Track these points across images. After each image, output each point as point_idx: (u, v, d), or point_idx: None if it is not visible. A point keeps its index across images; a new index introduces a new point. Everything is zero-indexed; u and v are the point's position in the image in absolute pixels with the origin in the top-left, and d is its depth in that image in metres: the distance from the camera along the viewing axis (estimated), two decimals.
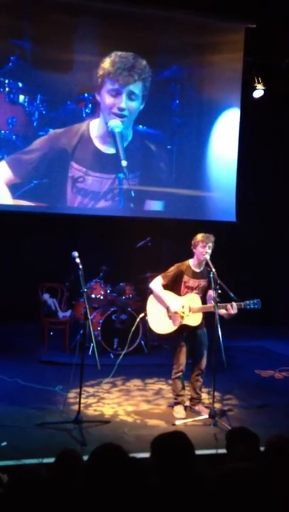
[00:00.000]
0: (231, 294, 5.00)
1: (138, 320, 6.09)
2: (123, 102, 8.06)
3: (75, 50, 8.02)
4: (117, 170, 8.19)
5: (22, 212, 7.98)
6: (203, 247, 5.10)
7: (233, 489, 2.22)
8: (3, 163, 7.81)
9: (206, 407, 5.21)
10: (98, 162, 8.12)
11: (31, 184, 7.92)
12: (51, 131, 7.94)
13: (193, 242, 5.19)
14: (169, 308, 5.11)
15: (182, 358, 5.19)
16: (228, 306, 5.00)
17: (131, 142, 8.24)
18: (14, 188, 7.87)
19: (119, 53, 8.04)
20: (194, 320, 5.16)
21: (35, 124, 7.95)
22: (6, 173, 7.82)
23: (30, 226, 8.23)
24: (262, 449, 3.04)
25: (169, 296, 5.17)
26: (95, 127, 8.11)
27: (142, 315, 6.32)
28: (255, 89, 8.78)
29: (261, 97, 8.82)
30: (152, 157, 8.41)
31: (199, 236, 5.16)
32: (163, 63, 8.34)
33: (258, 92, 8.79)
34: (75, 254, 4.90)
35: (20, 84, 7.87)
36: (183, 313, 5.10)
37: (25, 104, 7.91)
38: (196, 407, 5.27)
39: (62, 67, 7.92)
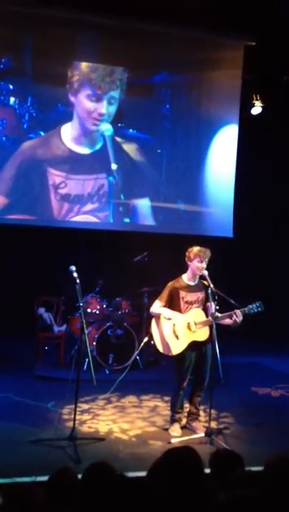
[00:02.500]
0: (232, 301, 4.96)
1: (142, 344, 6.04)
2: (104, 107, 8.12)
3: (74, 64, 8.06)
4: (99, 170, 8.18)
5: (18, 226, 7.96)
6: (200, 262, 5.05)
7: None
8: None
9: (203, 425, 5.13)
10: (76, 164, 8.12)
11: (17, 200, 7.91)
12: (22, 145, 7.94)
13: (188, 254, 5.12)
14: (176, 322, 5.02)
15: (187, 375, 5.13)
16: (233, 314, 4.95)
17: (115, 143, 8.25)
18: (4, 209, 7.89)
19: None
20: (202, 335, 5.08)
21: (25, 126, 7.99)
22: None
23: (26, 240, 8.19)
24: (258, 468, 3.00)
25: (173, 313, 5.08)
26: (67, 131, 8.11)
27: (146, 339, 6.27)
28: (253, 106, 8.83)
29: (259, 113, 8.86)
30: (141, 160, 8.40)
31: (196, 250, 5.09)
32: (154, 71, 8.38)
33: (256, 109, 8.84)
34: (73, 268, 4.87)
35: (11, 87, 7.91)
36: (189, 328, 5.03)
37: (16, 106, 7.95)
38: (194, 424, 5.20)
39: (60, 80, 7.96)
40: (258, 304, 5.02)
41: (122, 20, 7.84)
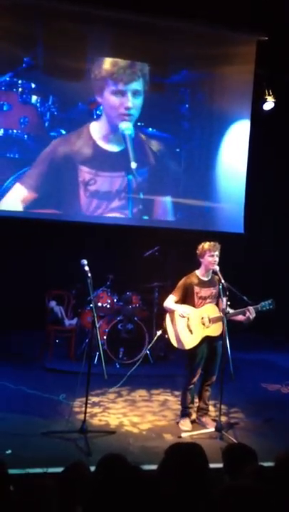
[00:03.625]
0: (245, 298, 4.98)
1: (155, 338, 6.06)
2: (129, 101, 8.14)
3: (87, 59, 8.08)
4: (126, 168, 8.24)
5: (29, 219, 8.01)
6: (211, 256, 5.07)
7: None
8: (18, 185, 7.91)
9: (213, 419, 5.16)
10: (106, 162, 8.19)
11: (46, 195, 7.98)
12: (52, 141, 8.00)
13: (199, 251, 5.15)
14: (191, 319, 5.05)
15: (198, 370, 5.16)
16: (246, 310, 4.96)
17: (136, 141, 8.29)
18: (32, 204, 7.98)
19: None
20: (216, 330, 5.11)
21: (46, 124, 8.04)
22: (22, 193, 7.92)
23: (38, 234, 8.23)
24: (268, 463, 3.01)
25: (187, 309, 5.11)
26: (96, 129, 8.16)
27: (159, 333, 6.30)
28: (265, 101, 8.78)
29: (271, 109, 8.82)
30: (161, 159, 8.44)
31: (206, 245, 5.12)
32: (173, 69, 8.39)
33: (269, 105, 8.79)
34: (84, 262, 4.89)
35: (32, 85, 7.97)
36: (203, 323, 5.06)
37: (38, 104, 8.00)
38: (203, 419, 5.22)
39: (75, 75, 7.99)
40: (270, 302, 5.03)
41: (135, 16, 7.82)
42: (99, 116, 8.21)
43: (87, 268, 4.88)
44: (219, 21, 7.95)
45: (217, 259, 5.09)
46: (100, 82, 8.09)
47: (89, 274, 4.86)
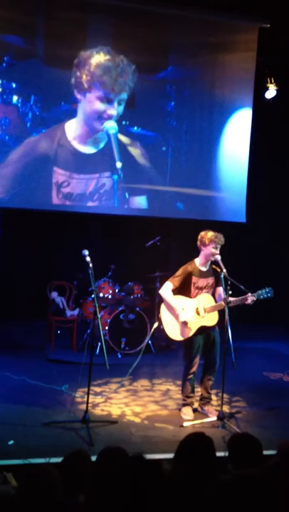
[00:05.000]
0: (242, 287, 4.95)
1: (152, 330, 6.04)
2: (115, 109, 7.97)
3: (86, 48, 7.97)
4: (102, 169, 8.04)
5: (30, 210, 7.95)
6: (215, 248, 5.03)
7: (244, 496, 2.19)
8: None
9: (216, 409, 5.16)
10: (81, 163, 7.97)
11: (18, 194, 7.76)
12: (25, 141, 7.78)
13: (202, 239, 5.08)
14: (181, 317, 5.05)
15: (196, 359, 5.15)
16: (246, 298, 4.93)
17: (118, 142, 8.13)
18: (3, 202, 7.80)
19: (107, 57, 7.91)
20: (211, 319, 5.11)
21: (28, 124, 7.84)
22: None
23: (39, 225, 8.21)
24: (270, 452, 3.01)
25: (179, 303, 5.10)
26: (71, 128, 7.94)
27: (155, 325, 6.31)
28: (267, 89, 8.71)
29: (273, 97, 8.75)
30: (145, 159, 8.29)
31: (211, 236, 5.03)
32: (157, 64, 8.21)
33: (271, 93, 8.73)
34: (86, 252, 4.87)
35: (13, 85, 7.76)
36: (198, 313, 5.05)
37: (19, 104, 7.79)
38: (206, 408, 5.23)
39: (71, 65, 7.86)
40: (267, 290, 5.00)
41: (134, 3, 7.73)
42: (74, 115, 7.97)
43: (88, 259, 4.86)
44: (221, 9, 7.87)
45: (218, 251, 5.06)
46: (87, 83, 7.86)
47: (90, 265, 4.85)
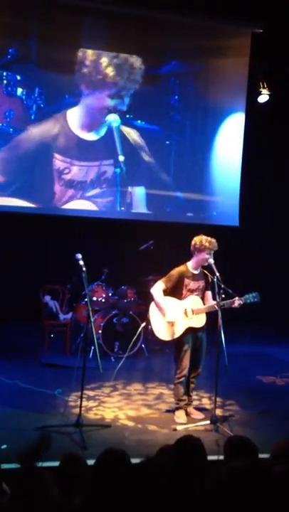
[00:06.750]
0: (230, 291, 4.98)
1: (140, 329, 6.05)
2: (125, 104, 8.09)
3: (80, 51, 8.00)
4: (103, 157, 8.17)
5: (23, 214, 7.96)
6: (208, 255, 5.06)
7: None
8: None
9: (196, 408, 5.23)
10: (82, 151, 8.08)
11: (18, 181, 7.86)
12: (27, 127, 7.87)
13: (196, 245, 5.09)
14: (166, 318, 5.08)
15: (186, 362, 5.15)
16: (234, 301, 4.98)
17: (122, 134, 8.25)
18: (1, 188, 7.84)
19: (121, 56, 8.00)
20: (199, 321, 5.13)
21: (32, 117, 7.94)
22: None
23: (32, 228, 8.20)
24: (264, 455, 3.02)
25: (167, 304, 5.12)
26: (74, 117, 8.04)
27: (143, 324, 6.32)
28: (260, 93, 8.77)
29: (266, 102, 8.80)
30: (149, 152, 8.37)
31: (206, 242, 5.06)
32: (166, 61, 8.34)
33: (263, 97, 8.78)
34: (79, 256, 4.87)
35: (18, 77, 7.86)
36: (186, 314, 5.07)
37: (23, 97, 7.89)
38: (188, 409, 5.24)
39: (67, 67, 7.91)
40: (254, 294, 5.05)
41: (129, 8, 7.77)
42: (76, 104, 8.07)
43: (81, 262, 4.87)
44: (214, 14, 7.91)
45: (212, 256, 5.09)
46: (97, 81, 7.98)
47: (84, 269, 4.85)
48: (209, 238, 5.11)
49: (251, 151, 8.76)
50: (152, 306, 5.23)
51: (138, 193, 8.42)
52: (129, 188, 8.32)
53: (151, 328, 5.24)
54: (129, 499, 2.23)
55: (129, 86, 8.06)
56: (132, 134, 8.27)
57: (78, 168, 8.06)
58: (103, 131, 8.16)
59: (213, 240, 5.10)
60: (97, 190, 8.18)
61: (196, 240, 5.12)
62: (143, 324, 6.39)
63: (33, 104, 7.91)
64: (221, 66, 8.52)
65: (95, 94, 8.04)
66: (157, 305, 5.15)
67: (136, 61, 8.09)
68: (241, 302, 5.01)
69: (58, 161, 7.98)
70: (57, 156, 7.98)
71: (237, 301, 5.00)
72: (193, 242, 5.14)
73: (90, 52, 7.98)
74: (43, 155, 7.94)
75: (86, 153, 8.11)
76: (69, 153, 8.02)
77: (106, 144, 8.15)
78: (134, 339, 6.19)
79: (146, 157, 8.37)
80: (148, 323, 5.53)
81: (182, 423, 5.02)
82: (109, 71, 7.97)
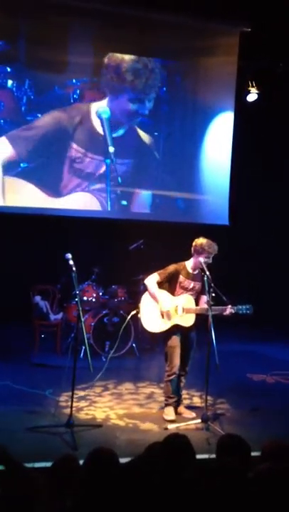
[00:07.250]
0: (224, 298, 5.00)
1: (130, 316, 6.05)
2: (146, 109, 8.30)
3: (69, 52, 8.00)
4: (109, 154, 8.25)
5: (13, 214, 7.94)
6: (207, 258, 5.08)
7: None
8: (4, 138, 7.81)
9: (187, 407, 5.25)
10: (97, 144, 8.16)
11: (30, 162, 7.91)
12: (51, 111, 7.99)
13: (197, 247, 5.10)
14: (161, 307, 5.09)
15: (176, 360, 5.15)
16: (225, 309, 5.03)
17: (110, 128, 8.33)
18: (10, 165, 7.86)
19: (137, 61, 8.16)
20: (187, 320, 5.15)
21: (23, 108, 7.96)
22: (5, 148, 7.81)
23: (22, 227, 8.17)
24: (254, 453, 3.03)
25: (162, 295, 5.15)
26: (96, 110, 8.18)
27: (134, 312, 6.30)
28: (249, 92, 8.80)
29: (255, 100, 8.83)
30: (140, 143, 8.44)
31: (207, 246, 5.07)
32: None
33: (252, 96, 8.81)
34: (69, 256, 4.86)
35: (8, 69, 7.86)
36: (176, 311, 5.09)
37: (14, 88, 7.91)
38: (178, 408, 5.25)
39: (56, 68, 7.90)
40: (248, 307, 5.08)
41: (116, 7, 7.76)
42: (68, 100, 8.14)
43: (71, 262, 4.86)
44: (202, 13, 7.92)
45: (210, 260, 5.12)
46: (118, 86, 8.15)
47: (74, 268, 4.84)
48: (210, 242, 5.12)
49: (240, 149, 8.79)
50: (145, 296, 5.25)
51: (129, 192, 8.42)
52: (120, 182, 8.33)
53: (140, 318, 5.26)
54: (118, 498, 2.23)
55: (148, 90, 8.23)
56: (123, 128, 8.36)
57: (90, 160, 8.14)
58: (122, 131, 8.26)
59: (214, 245, 5.12)
60: (103, 185, 8.29)
61: (198, 242, 5.14)
62: (133, 312, 6.36)
63: (24, 96, 7.94)
64: (210, 65, 8.54)
65: (118, 99, 8.18)
66: (152, 295, 5.18)
67: (155, 65, 8.26)
68: (233, 311, 5.03)
69: (73, 150, 8.07)
70: (74, 145, 8.07)
71: (229, 310, 5.03)
72: (194, 244, 5.16)
73: (111, 55, 8.09)
74: (61, 142, 8.02)
75: (102, 147, 8.21)
76: (85, 144, 8.10)
77: (123, 143, 8.26)
78: (122, 327, 6.13)
79: (136, 146, 8.42)
80: (138, 312, 5.54)
81: (171, 420, 5.03)
82: (128, 75, 8.13)
